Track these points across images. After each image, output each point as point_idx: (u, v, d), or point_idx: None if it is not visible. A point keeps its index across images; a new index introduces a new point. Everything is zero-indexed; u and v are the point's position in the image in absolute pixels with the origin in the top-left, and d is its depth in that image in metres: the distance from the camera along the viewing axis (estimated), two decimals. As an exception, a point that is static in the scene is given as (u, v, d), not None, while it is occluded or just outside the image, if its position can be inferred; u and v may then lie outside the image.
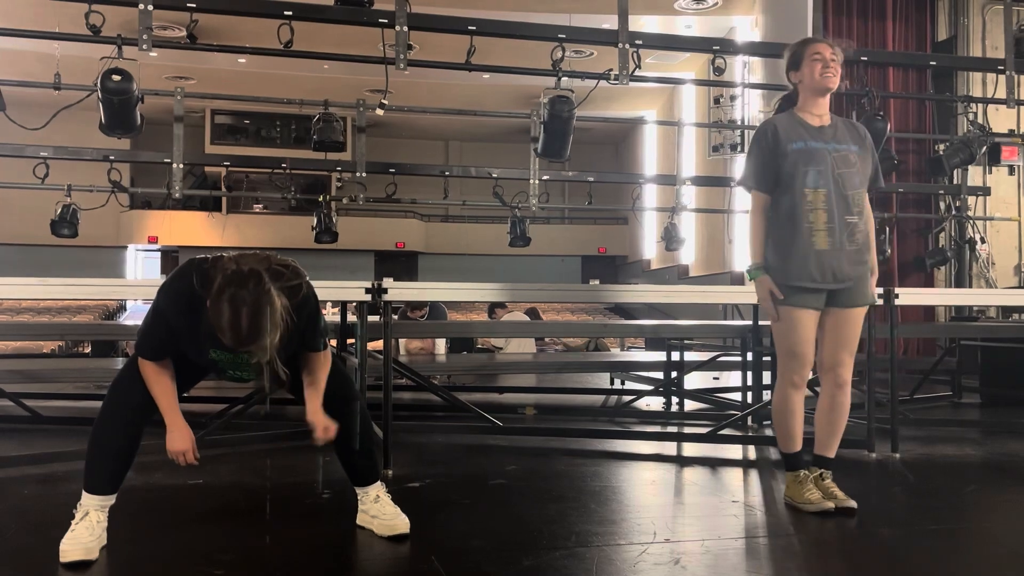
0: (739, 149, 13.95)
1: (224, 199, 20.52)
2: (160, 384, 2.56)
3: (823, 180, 3.04)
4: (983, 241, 8.73)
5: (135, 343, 2.64)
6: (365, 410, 2.87)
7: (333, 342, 5.08)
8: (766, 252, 3.16)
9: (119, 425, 2.60)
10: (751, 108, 13.75)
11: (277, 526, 2.94)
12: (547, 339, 11.61)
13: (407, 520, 2.73)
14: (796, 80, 3.18)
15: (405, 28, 5.23)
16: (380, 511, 2.76)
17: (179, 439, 2.56)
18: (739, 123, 13.70)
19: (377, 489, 2.81)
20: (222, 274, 2.31)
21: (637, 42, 5.68)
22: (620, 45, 5.58)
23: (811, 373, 3.18)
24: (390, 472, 3.64)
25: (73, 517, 2.57)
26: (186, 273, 2.44)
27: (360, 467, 2.83)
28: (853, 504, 3.03)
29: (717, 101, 14.28)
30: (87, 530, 2.53)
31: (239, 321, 2.27)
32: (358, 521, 2.80)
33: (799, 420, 3.17)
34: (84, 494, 2.60)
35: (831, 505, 3.02)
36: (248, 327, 2.27)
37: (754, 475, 3.94)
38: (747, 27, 14.06)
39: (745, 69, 12.85)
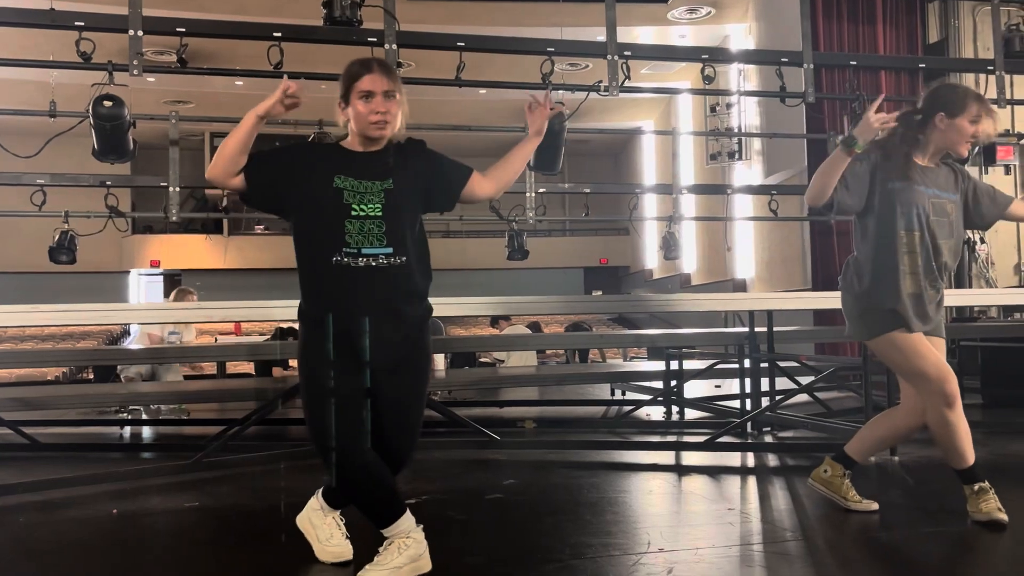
0: (736, 157, 13.96)
1: (225, 221, 20.58)
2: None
3: (918, 224, 3.00)
4: (982, 241, 8.71)
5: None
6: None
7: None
8: (855, 277, 3.12)
9: (355, 460, 2.43)
10: (747, 115, 13.76)
11: (274, 546, 2.93)
12: (548, 351, 11.62)
13: (351, 548, 2.64)
14: (940, 125, 3.01)
15: (394, 46, 5.26)
16: (328, 535, 2.67)
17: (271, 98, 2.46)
18: (736, 131, 13.71)
19: (338, 514, 2.70)
20: None
21: (626, 53, 5.69)
22: (609, 57, 5.60)
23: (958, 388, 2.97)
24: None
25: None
26: None
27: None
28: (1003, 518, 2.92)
29: (713, 109, 14.28)
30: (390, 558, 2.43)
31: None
32: (299, 523, 2.71)
33: (967, 435, 2.97)
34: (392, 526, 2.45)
35: (1001, 518, 2.89)
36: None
37: (752, 482, 3.92)
38: (741, 35, 14.09)
39: (740, 77, 12.88)
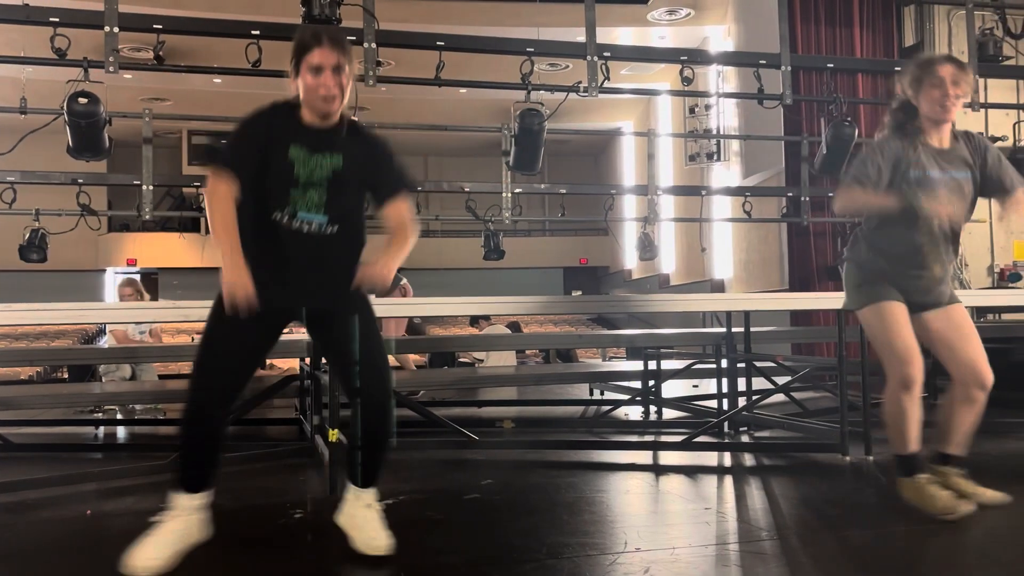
0: (715, 158, 14.04)
1: (202, 220, 20.42)
2: (224, 211, 2.50)
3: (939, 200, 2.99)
4: (955, 243, 8.81)
5: (213, 160, 2.57)
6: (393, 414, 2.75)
7: (308, 360, 5.08)
8: (862, 250, 3.11)
9: (204, 418, 2.57)
10: (726, 117, 13.84)
11: (247, 546, 2.92)
12: (527, 351, 11.64)
13: (389, 541, 2.63)
14: (915, 103, 3.06)
15: (373, 45, 5.25)
16: (366, 523, 2.67)
17: (237, 283, 2.43)
18: (714, 132, 13.78)
19: (371, 497, 2.73)
20: None
21: (605, 54, 5.71)
22: (588, 57, 5.61)
23: (922, 374, 2.99)
24: (364, 489, 3.62)
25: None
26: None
27: (369, 468, 2.74)
28: (1001, 496, 2.97)
29: (692, 111, 14.36)
30: (154, 546, 2.50)
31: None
32: (338, 520, 2.72)
33: (914, 423, 3.00)
34: (175, 496, 2.57)
35: (963, 509, 2.91)
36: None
37: (729, 481, 3.95)
38: (720, 37, 14.16)
39: (719, 78, 12.94)
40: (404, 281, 6.99)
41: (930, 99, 3.00)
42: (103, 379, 6.78)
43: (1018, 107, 8.21)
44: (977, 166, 3.10)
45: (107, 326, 7.01)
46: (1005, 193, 3.11)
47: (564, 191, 7.86)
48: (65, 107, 5.28)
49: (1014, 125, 8.68)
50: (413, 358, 7.58)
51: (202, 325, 2.71)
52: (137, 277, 21.76)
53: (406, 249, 2.68)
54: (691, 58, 6.22)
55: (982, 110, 7.20)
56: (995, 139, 8.60)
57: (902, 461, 3.05)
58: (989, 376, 3.07)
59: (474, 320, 9.46)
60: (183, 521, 2.56)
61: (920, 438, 3.04)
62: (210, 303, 2.67)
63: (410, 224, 2.73)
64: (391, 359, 7.13)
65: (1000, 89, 8.00)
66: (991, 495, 3.11)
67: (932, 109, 3.01)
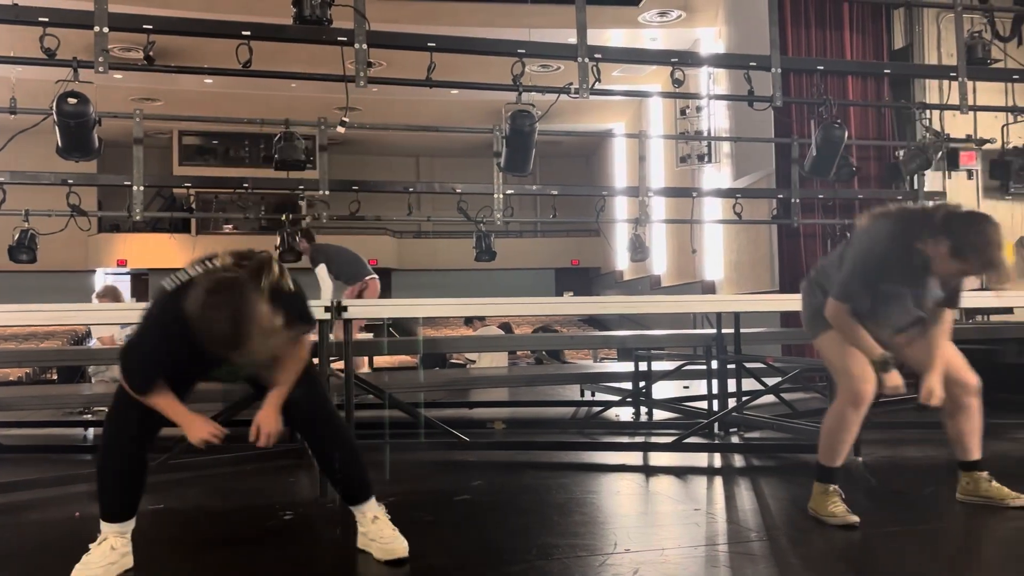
0: (706, 159, 14.07)
1: (193, 220, 20.37)
2: (160, 399, 2.56)
3: (905, 324, 3.08)
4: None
5: (123, 379, 2.59)
6: (347, 427, 2.80)
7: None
8: (819, 293, 3.11)
9: (122, 452, 2.61)
10: (717, 119, 13.87)
11: (236, 549, 2.92)
12: (519, 352, 11.65)
13: (405, 544, 2.67)
14: (943, 248, 2.83)
15: (364, 46, 5.24)
16: (378, 534, 2.70)
17: (197, 429, 2.59)
18: (705, 134, 13.81)
19: (373, 509, 2.75)
20: (201, 290, 2.38)
21: (596, 56, 5.71)
22: (579, 59, 5.62)
23: (873, 395, 2.99)
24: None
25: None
26: (167, 305, 2.54)
27: (346, 485, 2.78)
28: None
29: (683, 112, 14.39)
30: (101, 556, 2.54)
31: (229, 327, 2.31)
32: (358, 544, 2.74)
33: (850, 439, 3.05)
34: (101, 523, 2.62)
35: (855, 519, 2.96)
36: (238, 332, 2.31)
37: (719, 483, 3.96)
38: (711, 39, 14.19)
39: (710, 80, 12.97)
40: (371, 275, 6.95)
41: (946, 266, 2.87)
42: (93, 380, 6.75)
43: (1006, 109, 8.26)
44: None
45: (93, 333, 6.97)
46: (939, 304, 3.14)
47: (556, 192, 7.88)
48: (54, 107, 5.25)
49: (1002, 127, 8.74)
50: (403, 359, 7.57)
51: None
52: (121, 284, 21.73)
53: (290, 387, 2.69)
54: (682, 60, 6.21)
55: (971, 113, 7.23)
56: (983, 141, 8.66)
57: (824, 470, 3.09)
58: (973, 379, 3.13)
59: (468, 320, 9.47)
60: (122, 542, 2.60)
61: (848, 453, 3.11)
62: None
63: (304, 357, 2.75)
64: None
65: (989, 92, 8.05)
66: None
67: (938, 269, 2.90)
